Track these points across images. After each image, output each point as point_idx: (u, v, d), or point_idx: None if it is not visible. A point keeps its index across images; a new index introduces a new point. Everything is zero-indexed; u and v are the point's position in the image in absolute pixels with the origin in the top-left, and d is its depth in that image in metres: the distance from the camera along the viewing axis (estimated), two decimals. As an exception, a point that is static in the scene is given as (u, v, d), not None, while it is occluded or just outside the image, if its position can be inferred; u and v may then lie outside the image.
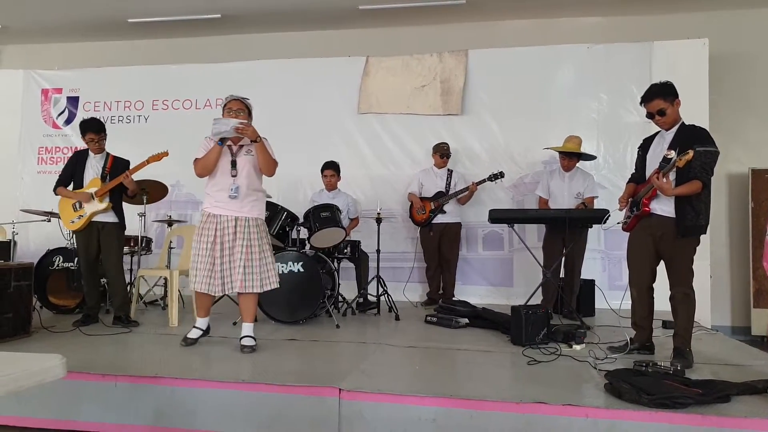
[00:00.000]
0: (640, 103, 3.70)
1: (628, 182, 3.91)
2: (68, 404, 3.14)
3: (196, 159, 3.87)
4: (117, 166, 4.77)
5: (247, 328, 3.93)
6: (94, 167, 4.73)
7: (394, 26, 7.21)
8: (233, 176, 3.82)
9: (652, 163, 3.68)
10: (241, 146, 3.92)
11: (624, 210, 3.87)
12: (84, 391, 3.13)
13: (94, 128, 4.71)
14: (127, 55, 7.73)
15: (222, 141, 3.78)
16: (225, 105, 3.93)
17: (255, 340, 3.88)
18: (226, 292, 3.92)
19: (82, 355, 3.56)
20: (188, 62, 7.33)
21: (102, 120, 4.97)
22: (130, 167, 4.73)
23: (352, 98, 6.93)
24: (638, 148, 3.90)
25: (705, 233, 3.54)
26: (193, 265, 3.83)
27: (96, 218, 4.63)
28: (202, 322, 4.04)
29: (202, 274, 3.78)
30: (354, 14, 6.92)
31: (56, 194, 4.74)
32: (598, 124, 6.41)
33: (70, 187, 4.73)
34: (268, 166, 3.89)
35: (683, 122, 3.63)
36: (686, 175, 3.41)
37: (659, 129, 3.73)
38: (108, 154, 4.80)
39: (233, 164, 3.84)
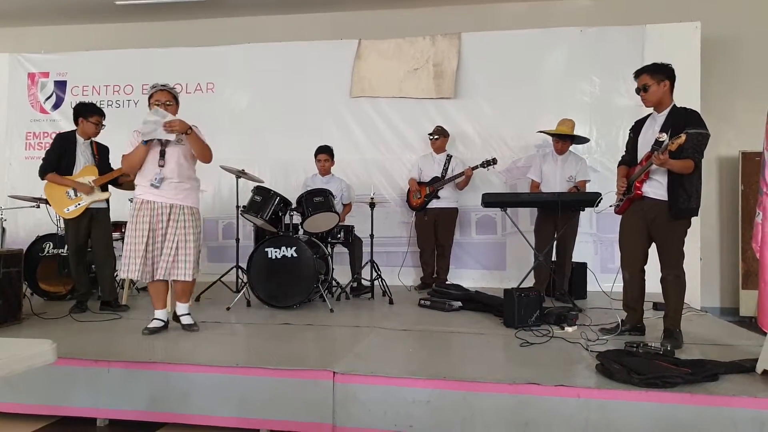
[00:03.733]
0: (634, 78, 3.71)
1: (620, 165, 3.92)
2: (61, 390, 3.13)
3: (124, 155, 3.84)
4: (102, 153, 4.74)
5: (182, 307, 3.98)
6: (84, 154, 4.66)
7: (387, 9, 7.13)
8: (160, 166, 3.77)
9: (644, 145, 3.69)
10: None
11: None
12: (77, 377, 3.12)
13: (101, 111, 4.70)
14: (116, 38, 7.61)
15: (147, 141, 3.73)
16: (151, 95, 3.85)
17: (192, 317, 3.98)
18: (155, 278, 3.84)
19: (74, 341, 3.56)
20: (178, 46, 7.23)
21: (92, 104, 4.91)
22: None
23: (344, 82, 6.88)
24: (630, 130, 3.91)
25: (696, 215, 3.57)
26: (126, 253, 3.78)
27: (90, 205, 4.60)
28: (161, 314, 3.96)
29: (136, 261, 3.75)
30: (345, -4, 6.86)
31: (44, 179, 4.61)
32: (591, 108, 6.40)
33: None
34: (203, 154, 3.88)
35: (675, 105, 3.64)
36: (678, 157, 3.42)
37: (650, 112, 3.74)
38: (92, 140, 4.75)
39: (162, 154, 3.79)
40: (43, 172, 4.60)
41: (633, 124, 3.89)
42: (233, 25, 7.46)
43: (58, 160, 4.61)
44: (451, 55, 6.68)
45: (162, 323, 3.94)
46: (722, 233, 6.64)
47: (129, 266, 3.77)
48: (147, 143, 3.74)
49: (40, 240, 5.37)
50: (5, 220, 5.61)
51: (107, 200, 4.74)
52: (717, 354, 3.30)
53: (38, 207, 5.60)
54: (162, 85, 3.89)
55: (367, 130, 6.85)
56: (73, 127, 4.74)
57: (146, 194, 3.80)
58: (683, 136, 3.29)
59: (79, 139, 4.69)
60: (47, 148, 4.80)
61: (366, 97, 6.85)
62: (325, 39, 6.98)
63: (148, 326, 3.89)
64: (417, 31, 6.84)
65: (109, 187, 4.78)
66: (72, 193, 4.58)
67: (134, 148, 3.79)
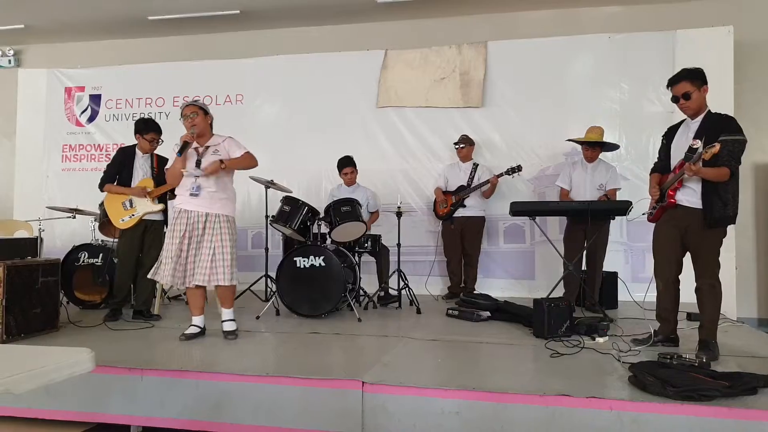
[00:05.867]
0: (667, 86, 3.63)
1: (652, 172, 3.85)
2: (96, 397, 3.20)
3: (166, 169, 4.08)
4: (162, 166, 4.84)
5: (226, 313, 4.08)
6: (142, 167, 4.81)
7: (413, 19, 7.17)
8: (196, 176, 3.94)
9: (677, 152, 3.62)
10: (207, 147, 4.03)
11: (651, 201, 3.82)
12: (111, 385, 3.18)
13: (157, 128, 4.83)
14: (148, 52, 7.80)
15: (181, 151, 3.89)
16: (182, 113, 4.05)
17: (236, 323, 4.08)
18: (191, 284, 3.98)
19: (109, 350, 3.62)
20: (208, 58, 7.39)
21: (124, 117, 5.04)
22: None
23: (371, 92, 6.93)
24: (662, 136, 3.84)
25: (734, 223, 3.48)
26: (161, 259, 3.98)
27: (145, 217, 4.72)
28: (198, 320, 4.10)
29: (167, 267, 3.92)
30: (372, 7, 6.90)
31: (103, 191, 4.81)
32: (620, 115, 6.33)
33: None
34: (246, 167, 4.12)
35: (709, 110, 3.56)
36: (714, 165, 3.34)
37: (684, 118, 3.67)
38: (153, 153, 4.88)
39: (197, 164, 3.96)
40: (102, 184, 4.80)
41: (666, 130, 3.83)
42: (261, 38, 7.58)
43: (116, 172, 4.79)
44: (478, 63, 6.67)
45: (198, 329, 4.06)
46: (758, 242, 6.47)
47: (162, 271, 3.95)
48: (182, 154, 3.90)
49: (76, 250, 5.50)
50: (43, 230, 5.75)
51: (164, 213, 4.85)
52: (755, 366, 3.21)
53: (74, 218, 5.75)
54: (186, 102, 4.14)
55: (394, 140, 6.87)
56: (112, 140, 4.88)
57: (184, 203, 3.98)
58: (717, 146, 3.21)
59: (138, 153, 4.83)
60: (108, 162, 5.00)
61: (392, 107, 6.88)
62: (352, 50, 7.05)
63: (185, 332, 4.01)
64: (443, 40, 6.86)
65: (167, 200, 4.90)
66: (128, 204, 4.71)
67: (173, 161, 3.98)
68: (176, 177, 3.98)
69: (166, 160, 4.87)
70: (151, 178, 4.78)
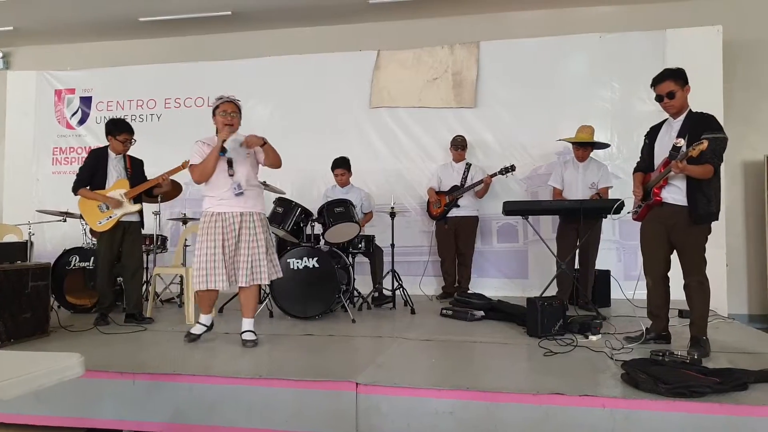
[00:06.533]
0: (651, 86, 3.67)
1: (635, 171, 3.89)
2: (87, 402, 3.17)
3: (193, 165, 3.89)
4: (136, 166, 4.82)
5: (248, 323, 3.96)
6: (116, 168, 4.76)
7: (405, 19, 7.18)
8: (231, 175, 3.84)
9: (661, 151, 3.67)
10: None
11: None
12: (103, 389, 3.16)
13: (129, 129, 4.77)
14: (139, 53, 7.76)
15: (223, 151, 3.80)
16: (218, 107, 3.91)
17: (255, 334, 3.93)
18: (230, 287, 3.90)
19: (100, 354, 3.60)
20: (200, 60, 7.37)
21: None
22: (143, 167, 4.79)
23: (364, 92, 6.93)
24: (645, 136, 3.89)
25: (717, 220, 3.54)
26: (198, 265, 3.81)
27: (123, 218, 4.68)
28: (206, 319, 4.06)
29: (219, 272, 3.78)
30: (364, 8, 6.91)
31: (77, 195, 4.71)
32: (612, 114, 6.36)
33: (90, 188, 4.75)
34: (276, 160, 3.96)
35: (691, 110, 3.63)
36: (698, 162, 3.38)
37: (666, 117, 3.72)
38: (125, 154, 4.84)
39: (230, 163, 3.85)
40: (75, 188, 4.72)
41: (648, 129, 3.87)
42: (253, 39, 7.56)
43: (90, 175, 4.72)
44: (470, 64, 6.68)
45: (205, 327, 4.03)
46: (748, 239, 6.51)
47: (213, 277, 3.78)
48: (223, 153, 3.81)
49: (67, 253, 5.47)
50: (33, 234, 5.72)
51: (140, 213, 4.81)
52: (746, 362, 3.23)
53: (65, 221, 5.72)
54: (227, 97, 3.96)
55: (387, 140, 6.88)
56: (103, 143, 4.85)
57: (216, 206, 3.86)
58: (705, 142, 3.25)
59: (111, 154, 4.78)
60: (81, 164, 4.93)
61: (385, 107, 6.89)
62: (344, 50, 7.04)
63: (192, 331, 3.98)
64: (435, 40, 6.87)
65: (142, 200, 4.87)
66: (104, 206, 4.66)
67: (205, 157, 3.84)
68: (209, 172, 3.83)
69: (140, 161, 4.89)
70: (126, 179, 4.73)
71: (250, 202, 3.91)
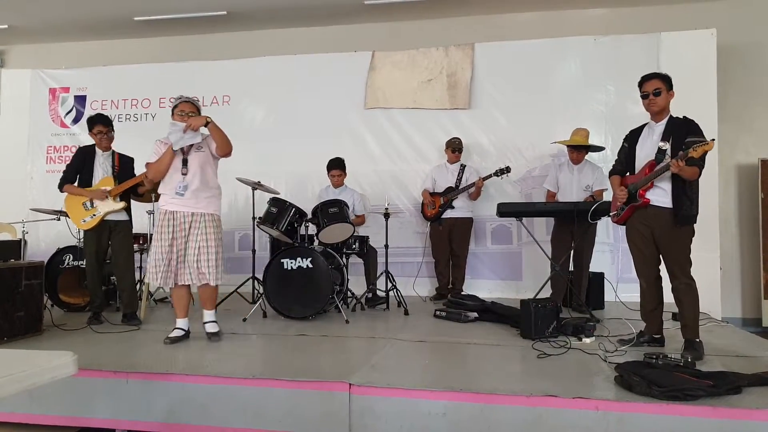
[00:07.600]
0: (639, 84, 3.71)
1: (612, 174, 3.91)
2: (80, 401, 3.16)
3: (148, 163, 3.95)
4: (124, 164, 4.78)
5: (207, 314, 4.05)
6: (102, 165, 4.72)
7: (400, 20, 7.19)
8: (183, 174, 3.89)
9: (642, 155, 3.69)
10: (191, 145, 3.95)
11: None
12: (96, 388, 3.15)
13: (102, 120, 4.71)
14: (134, 53, 7.74)
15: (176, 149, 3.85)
16: (176, 106, 3.98)
17: (218, 325, 4.03)
18: (179, 283, 3.95)
19: (93, 353, 3.59)
20: (195, 59, 7.34)
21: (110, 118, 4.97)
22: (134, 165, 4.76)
23: (358, 93, 6.92)
24: (624, 140, 3.90)
25: (696, 222, 3.57)
26: (151, 262, 3.90)
27: (108, 217, 4.64)
28: (182, 323, 4.05)
29: (159, 269, 3.86)
30: (359, 9, 6.91)
31: (63, 191, 4.70)
32: (606, 117, 6.37)
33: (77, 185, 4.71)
34: (225, 143, 3.93)
35: (671, 114, 3.67)
36: (687, 164, 3.41)
37: (645, 122, 3.77)
38: (114, 151, 4.81)
39: (184, 162, 3.91)
40: (61, 184, 4.70)
41: (627, 133, 3.89)
42: (248, 39, 7.55)
43: (75, 172, 4.70)
44: (465, 65, 6.69)
45: (183, 332, 4.02)
46: (742, 242, 6.54)
47: (153, 274, 3.89)
48: (176, 150, 3.86)
49: (61, 252, 5.45)
50: (27, 232, 5.68)
51: (128, 212, 4.78)
52: (740, 366, 3.25)
53: (59, 220, 5.67)
54: (185, 98, 4.03)
55: (382, 142, 6.88)
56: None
57: (169, 204, 3.91)
58: (710, 143, 3.33)
59: (98, 151, 4.74)
60: (68, 162, 4.88)
61: (380, 108, 6.88)
62: (339, 51, 7.03)
63: (170, 335, 3.96)
64: (430, 42, 6.87)
65: (131, 199, 4.83)
66: (88, 204, 4.63)
67: (159, 155, 3.89)
68: (162, 171, 3.89)
69: (130, 159, 4.86)
70: (112, 176, 4.69)
71: (203, 203, 3.94)
